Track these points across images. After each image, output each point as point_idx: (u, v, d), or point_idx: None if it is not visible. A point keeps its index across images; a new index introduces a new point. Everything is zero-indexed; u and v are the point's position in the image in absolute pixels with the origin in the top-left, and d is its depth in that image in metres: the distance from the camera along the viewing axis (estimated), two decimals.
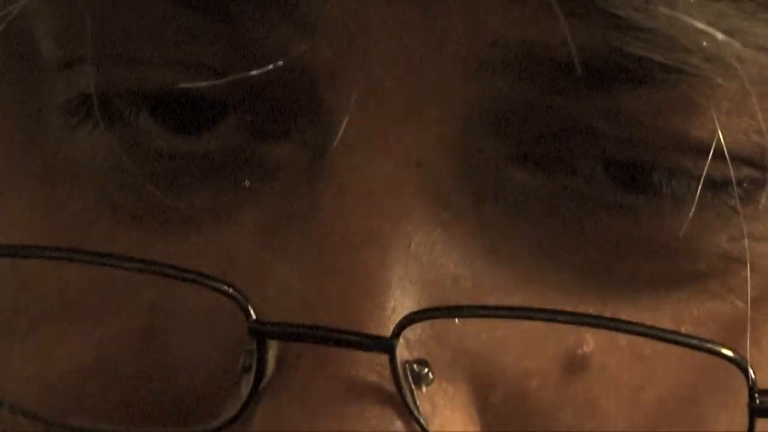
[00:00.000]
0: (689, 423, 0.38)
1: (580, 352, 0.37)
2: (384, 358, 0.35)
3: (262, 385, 0.36)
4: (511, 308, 0.37)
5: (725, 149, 0.36)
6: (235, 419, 0.36)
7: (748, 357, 0.36)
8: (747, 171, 0.37)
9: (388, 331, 0.35)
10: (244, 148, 0.38)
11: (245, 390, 0.36)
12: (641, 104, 0.36)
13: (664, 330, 0.37)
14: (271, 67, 0.35)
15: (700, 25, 0.33)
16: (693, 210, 0.37)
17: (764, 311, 0.39)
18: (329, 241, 0.36)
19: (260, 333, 0.36)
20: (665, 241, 0.38)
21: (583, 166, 0.37)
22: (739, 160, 0.37)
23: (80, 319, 0.39)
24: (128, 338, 0.39)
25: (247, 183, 0.38)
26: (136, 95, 0.38)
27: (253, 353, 0.36)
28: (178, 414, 0.38)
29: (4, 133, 0.42)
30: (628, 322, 0.37)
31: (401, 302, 0.35)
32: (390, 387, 0.35)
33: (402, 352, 0.35)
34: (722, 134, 0.36)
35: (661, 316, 0.38)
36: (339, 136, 0.36)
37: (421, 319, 0.35)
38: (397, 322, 0.35)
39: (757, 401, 0.36)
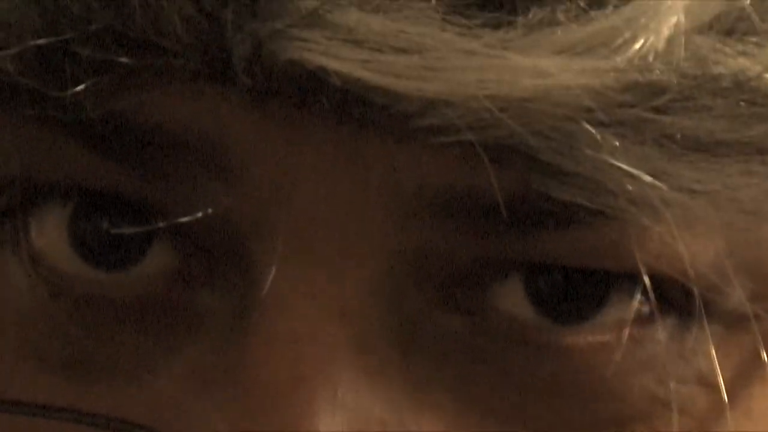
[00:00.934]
0: None
1: None
2: None
3: None
4: None
5: (650, 291, 0.36)
6: None
7: None
8: (674, 312, 0.37)
9: None
10: (168, 297, 0.38)
11: None
12: (567, 245, 0.36)
13: None
14: (199, 215, 0.36)
15: (626, 167, 0.33)
16: (629, 347, 0.37)
17: None
18: (256, 389, 0.35)
19: None
20: (592, 383, 0.37)
21: (508, 303, 0.37)
22: (666, 300, 0.37)
23: None
24: None
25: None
26: (59, 225, 0.38)
27: None
28: None
29: None
30: None
31: None
32: None
33: None
34: (649, 275, 0.36)
35: None
36: (265, 286, 0.35)
37: None
38: None
39: None
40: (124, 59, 0.34)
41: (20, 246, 0.39)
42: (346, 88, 0.33)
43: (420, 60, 0.32)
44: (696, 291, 0.37)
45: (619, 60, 0.32)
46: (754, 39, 0.34)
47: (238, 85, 0.34)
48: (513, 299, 0.37)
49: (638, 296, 0.37)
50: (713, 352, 0.38)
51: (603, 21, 0.32)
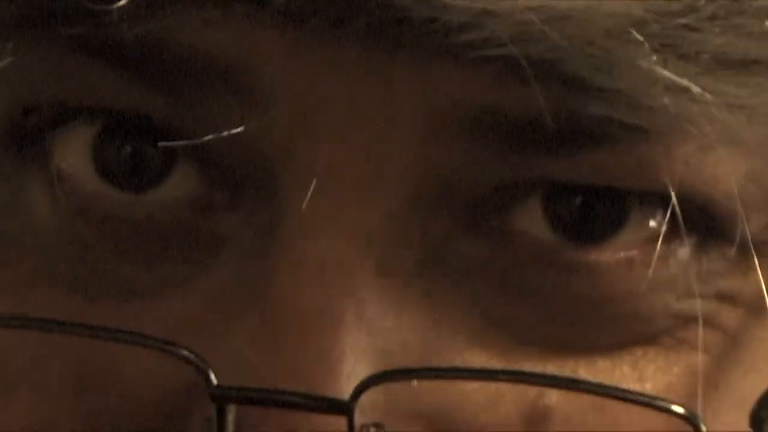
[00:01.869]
0: None
1: (540, 403, 0.37)
2: (341, 423, 0.35)
3: None
4: (462, 369, 0.37)
5: (677, 209, 0.36)
6: None
7: (700, 410, 0.37)
8: (694, 232, 0.38)
9: (344, 397, 0.35)
10: (191, 221, 0.38)
11: None
12: (594, 163, 0.36)
13: (616, 388, 0.37)
14: (224, 134, 0.35)
15: (671, 77, 0.33)
16: (648, 267, 0.37)
17: (722, 365, 0.39)
18: (282, 313, 0.35)
19: (221, 398, 0.35)
20: (613, 301, 0.38)
21: (528, 226, 0.37)
22: (686, 221, 0.37)
23: (13, 386, 0.39)
24: (61, 408, 0.38)
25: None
26: (84, 147, 0.38)
27: (210, 420, 0.35)
28: None
29: None
30: (581, 381, 0.37)
31: (355, 369, 0.35)
32: None
33: (358, 417, 0.35)
34: (675, 191, 0.36)
35: (619, 373, 0.38)
36: (291, 211, 0.36)
37: (378, 383, 0.35)
38: (354, 386, 0.35)
39: None
40: None
41: (45, 167, 0.39)
42: (386, 5, 0.33)
43: None
44: (716, 213, 0.37)
45: None
46: None
47: (272, 6, 0.34)
48: (532, 221, 0.37)
49: (658, 217, 0.37)
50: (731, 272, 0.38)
51: None
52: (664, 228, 0.37)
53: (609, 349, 0.38)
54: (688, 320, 0.38)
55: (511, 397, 0.37)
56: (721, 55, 0.34)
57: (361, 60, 0.34)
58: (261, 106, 0.35)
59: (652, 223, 0.37)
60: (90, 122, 0.38)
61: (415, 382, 0.36)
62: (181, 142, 0.36)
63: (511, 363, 0.37)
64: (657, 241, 0.37)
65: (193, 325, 0.37)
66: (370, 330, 0.36)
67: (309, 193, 0.35)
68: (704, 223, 0.38)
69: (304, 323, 0.35)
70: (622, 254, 0.37)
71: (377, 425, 0.35)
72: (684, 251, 0.38)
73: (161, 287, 0.38)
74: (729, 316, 0.39)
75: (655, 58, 0.33)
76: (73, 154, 0.38)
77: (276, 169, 0.36)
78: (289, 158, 0.36)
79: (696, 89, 0.33)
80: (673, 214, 0.36)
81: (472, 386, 0.37)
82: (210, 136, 0.35)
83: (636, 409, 0.36)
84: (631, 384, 0.38)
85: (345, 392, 0.35)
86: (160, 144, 0.37)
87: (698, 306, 0.38)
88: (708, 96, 0.33)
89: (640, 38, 0.33)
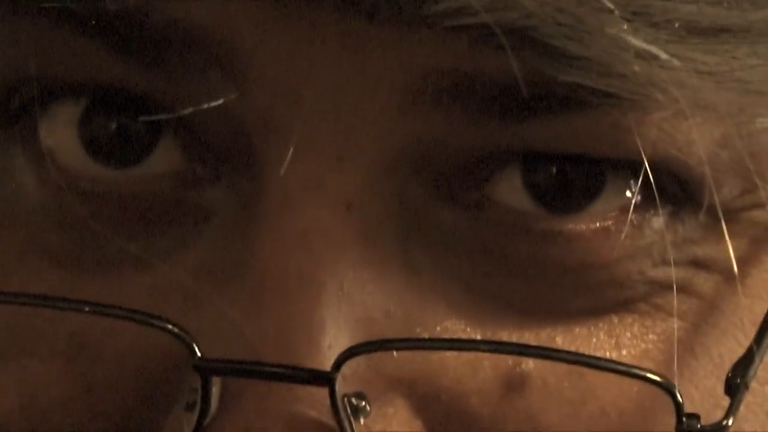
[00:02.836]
0: None
1: (518, 370, 0.37)
2: (323, 394, 0.35)
3: (206, 422, 0.36)
4: (441, 340, 0.37)
5: (650, 174, 0.36)
6: None
7: (676, 377, 0.37)
8: (668, 201, 0.38)
9: (325, 366, 0.35)
10: (176, 194, 0.38)
11: (188, 429, 0.36)
12: (568, 130, 0.36)
13: (592, 357, 0.37)
14: (204, 107, 0.35)
15: (640, 45, 0.33)
16: (620, 233, 0.37)
17: (698, 331, 0.39)
18: (266, 282, 0.36)
19: (205, 370, 0.35)
20: (592, 269, 0.38)
21: (506, 195, 0.38)
22: (660, 190, 0.37)
23: (3, 355, 0.39)
24: (52, 377, 0.39)
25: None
26: (69, 123, 0.38)
27: (197, 391, 0.36)
28: None
29: None
30: (559, 351, 0.37)
31: (336, 339, 0.36)
32: (330, 421, 0.35)
33: (340, 387, 0.35)
34: (649, 158, 0.36)
35: (595, 340, 0.38)
36: (272, 182, 0.36)
37: (359, 353, 0.35)
38: (335, 357, 0.35)
39: (685, 424, 0.36)
40: None
41: (31, 143, 0.39)
42: None
43: None
44: (691, 180, 0.37)
45: None
46: None
47: None
48: (511, 191, 0.37)
49: (633, 186, 0.37)
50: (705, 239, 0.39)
51: None
52: (637, 197, 0.37)
53: (586, 316, 0.38)
54: (664, 287, 0.38)
55: (489, 363, 0.37)
56: (690, 22, 0.33)
57: (337, 30, 0.34)
58: (240, 78, 0.35)
59: (628, 193, 0.37)
60: (75, 99, 0.38)
61: (395, 352, 0.36)
62: (161, 116, 0.36)
63: (490, 330, 0.38)
64: (635, 209, 0.37)
65: (180, 295, 0.37)
66: (352, 300, 0.36)
67: (286, 163, 0.35)
68: (678, 190, 0.38)
69: (287, 293, 0.35)
70: (598, 223, 0.37)
71: (358, 394, 0.36)
72: (659, 220, 0.38)
73: (147, 259, 0.38)
74: (704, 282, 0.39)
75: (625, 26, 0.33)
76: (60, 130, 0.38)
77: (255, 141, 0.36)
78: (268, 129, 0.36)
79: (664, 56, 0.33)
80: (648, 183, 0.36)
81: (452, 354, 0.37)
82: (189, 110, 0.35)
83: (612, 375, 0.37)
84: (607, 350, 0.38)
85: (327, 362, 0.35)
86: (141, 119, 0.37)
87: (673, 273, 0.38)
88: (677, 62, 0.33)
89: (610, 6, 0.32)
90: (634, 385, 0.37)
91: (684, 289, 0.39)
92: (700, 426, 0.36)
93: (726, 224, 0.38)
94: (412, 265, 0.37)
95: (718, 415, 0.37)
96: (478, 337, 0.37)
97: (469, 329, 0.37)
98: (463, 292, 0.38)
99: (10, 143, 0.39)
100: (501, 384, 0.37)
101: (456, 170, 0.37)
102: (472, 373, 0.37)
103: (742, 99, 0.35)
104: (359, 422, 0.35)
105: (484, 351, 0.37)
